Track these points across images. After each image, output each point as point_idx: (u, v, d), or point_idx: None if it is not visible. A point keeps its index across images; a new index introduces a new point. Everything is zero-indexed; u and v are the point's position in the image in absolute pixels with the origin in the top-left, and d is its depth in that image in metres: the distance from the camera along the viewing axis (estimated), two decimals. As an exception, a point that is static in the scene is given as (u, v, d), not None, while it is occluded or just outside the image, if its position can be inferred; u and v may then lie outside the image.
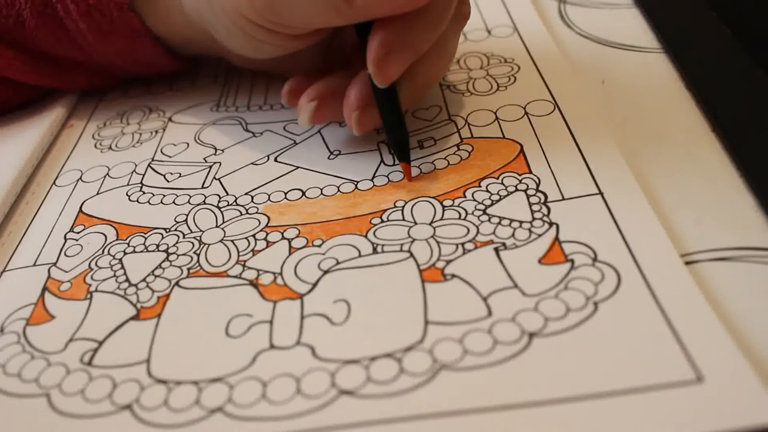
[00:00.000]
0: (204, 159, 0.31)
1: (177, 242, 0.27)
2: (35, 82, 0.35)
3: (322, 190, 0.28)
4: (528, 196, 0.26)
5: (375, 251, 0.25)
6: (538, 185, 0.26)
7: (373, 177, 0.28)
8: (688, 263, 0.23)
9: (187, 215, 0.28)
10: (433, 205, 0.26)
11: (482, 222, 0.25)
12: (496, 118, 0.30)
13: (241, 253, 0.26)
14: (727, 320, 0.21)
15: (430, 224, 0.25)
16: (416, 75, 0.28)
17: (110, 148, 0.34)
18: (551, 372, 0.20)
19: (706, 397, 0.18)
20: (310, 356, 0.21)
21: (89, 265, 0.26)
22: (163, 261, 0.26)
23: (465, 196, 0.26)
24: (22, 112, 0.36)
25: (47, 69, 0.34)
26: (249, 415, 0.20)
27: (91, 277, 0.26)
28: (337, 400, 0.20)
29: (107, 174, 0.32)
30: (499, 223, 0.25)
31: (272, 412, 0.20)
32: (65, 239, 0.28)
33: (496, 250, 0.24)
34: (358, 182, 0.28)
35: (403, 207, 0.26)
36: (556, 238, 0.24)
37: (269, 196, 0.28)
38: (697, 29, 0.34)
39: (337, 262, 0.24)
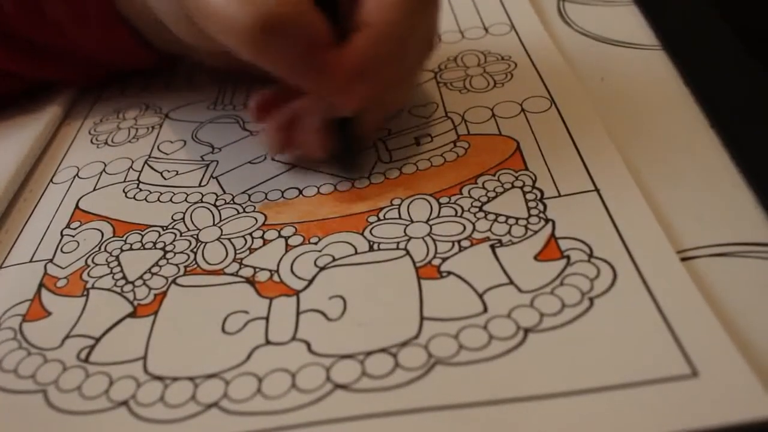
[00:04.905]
0: (201, 157, 0.31)
1: (174, 240, 0.27)
2: (17, 70, 0.34)
3: (318, 188, 0.28)
4: (524, 193, 0.26)
5: (371, 249, 0.25)
6: (534, 182, 0.26)
7: (370, 175, 0.28)
8: (687, 259, 0.23)
9: (184, 213, 0.28)
10: (429, 203, 0.26)
11: (478, 219, 0.25)
12: (493, 114, 0.30)
13: (237, 251, 0.26)
14: (726, 316, 0.20)
15: (427, 222, 0.25)
16: (379, 102, 0.27)
17: (106, 143, 0.34)
18: (546, 367, 0.20)
19: (701, 392, 0.18)
20: (305, 351, 0.21)
21: (86, 261, 0.26)
22: (160, 259, 0.26)
23: (461, 193, 0.26)
24: (20, 110, 0.36)
25: (30, 58, 0.34)
26: (244, 409, 0.20)
27: (88, 274, 0.26)
28: (332, 394, 0.20)
29: (104, 170, 0.32)
30: (496, 219, 0.25)
31: (267, 407, 0.20)
32: (61, 235, 0.28)
33: (492, 246, 0.24)
34: (354, 180, 0.28)
35: (400, 205, 0.26)
36: (552, 235, 0.24)
37: (266, 194, 0.28)
38: (695, 26, 0.34)
39: (333, 259, 0.24)
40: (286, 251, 0.25)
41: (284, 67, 0.24)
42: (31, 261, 0.27)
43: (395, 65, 0.26)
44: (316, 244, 0.25)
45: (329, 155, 0.28)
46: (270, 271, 0.25)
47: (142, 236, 0.27)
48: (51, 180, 0.32)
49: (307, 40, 0.23)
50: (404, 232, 0.25)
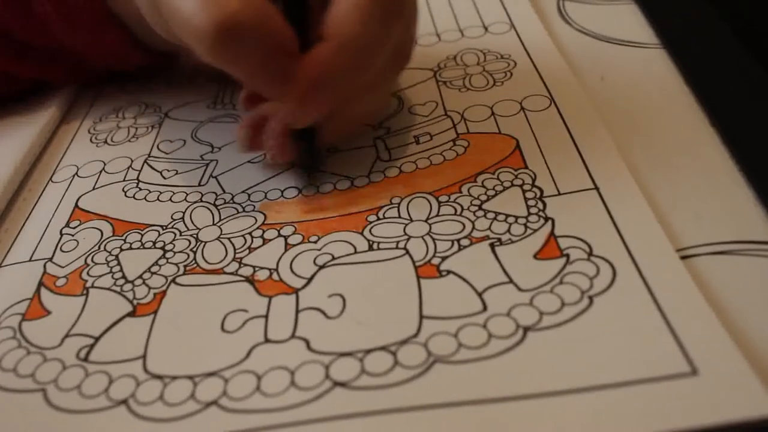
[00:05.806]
0: (201, 156, 0.31)
1: (174, 239, 0.27)
2: (9, 71, 0.34)
3: (318, 187, 0.28)
4: (524, 192, 0.26)
5: (371, 248, 0.25)
6: (533, 180, 0.26)
7: (369, 173, 0.28)
8: (687, 257, 0.23)
9: (183, 212, 0.28)
10: (429, 201, 0.26)
11: (478, 218, 0.25)
12: (492, 113, 0.30)
13: (237, 251, 0.26)
14: (726, 314, 0.20)
15: (426, 221, 0.25)
16: (342, 112, 0.27)
17: (106, 142, 0.34)
18: (545, 365, 0.20)
19: (700, 390, 0.18)
20: (304, 349, 0.21)
21: (85, 260, 0.26)
22: (160, 258, 0.26)
23: (461, 192, 0.26)
24: (19, 109, 0.36)
25: (22, 59, 0.34)
26: (243, 407, 0.20)
27: (87, 273, 0.26)
28: (331, 391, 0.20)
29: (103, 169, 0.32)
30: (495, 218, 0.25)
31: (266, 405, 0.20)
32: (61, 234, 0.28)
33: (492, 245, 0.24)
34: (354, 179, 0.28)
35: (399, 203, 0.26)
36: (552, 233, 0.24)
37: (266, 193, 0.28)
38: (696, 25, 0.34)
39: (333, 258, 0.24)
40: (286, 250, 0.25)
41: (243, 72, 0.24)
42: (30, 260, 0.27)
43: (356, 78, 0.25)
44: (315, 243, 0.25)
45: (291, 161, 0.28)
46: (269, 269, 0.25)
47: (142, 235, 0.27)
48: (50, 179, 0.32)
49: (268, 45, 0.23)
50: (404, 231, 0.25)
